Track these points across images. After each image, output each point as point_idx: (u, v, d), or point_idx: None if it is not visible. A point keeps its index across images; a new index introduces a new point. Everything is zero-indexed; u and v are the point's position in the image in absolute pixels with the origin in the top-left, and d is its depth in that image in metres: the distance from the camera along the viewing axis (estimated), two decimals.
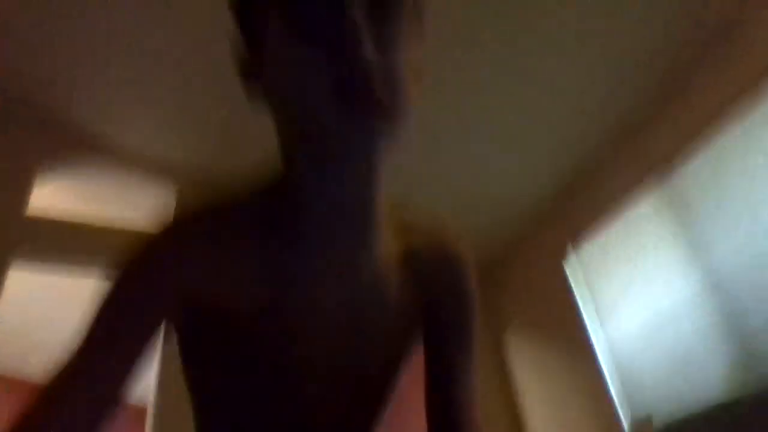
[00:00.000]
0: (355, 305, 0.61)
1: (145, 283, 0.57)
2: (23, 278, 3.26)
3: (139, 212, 3.82)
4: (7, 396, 5.56)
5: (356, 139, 0.50)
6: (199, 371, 0.62)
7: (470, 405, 0.68)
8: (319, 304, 0.60)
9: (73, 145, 3.42)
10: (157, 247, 0.58)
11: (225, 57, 2.90)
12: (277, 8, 0.51)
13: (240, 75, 0.59)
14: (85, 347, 0.53)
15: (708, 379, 2.71)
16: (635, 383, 3.09)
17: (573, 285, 3.58)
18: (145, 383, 2.62)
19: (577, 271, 3.59)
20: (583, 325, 3.45)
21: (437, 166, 3.56)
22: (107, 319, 0.55)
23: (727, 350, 2.64)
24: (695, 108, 2.91)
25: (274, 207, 0.59)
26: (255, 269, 0.58)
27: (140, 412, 2.88)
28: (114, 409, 0.51)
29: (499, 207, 3.86)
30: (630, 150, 3.28)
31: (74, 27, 2.86)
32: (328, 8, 0.48)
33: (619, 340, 3.23)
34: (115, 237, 3.29)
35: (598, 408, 3.28)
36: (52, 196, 3.62)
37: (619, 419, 3.13)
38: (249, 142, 3.03)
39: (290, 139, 0.56)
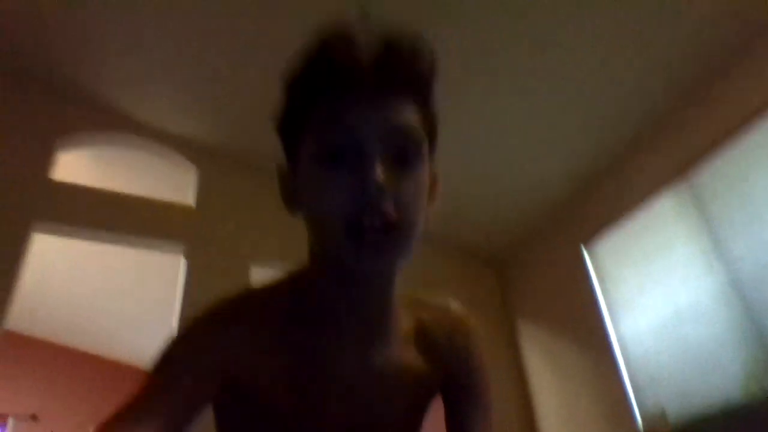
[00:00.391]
0: (371, 383, 0.67)
1: (189, 364, 0.62)
2: (45, 241, 3.32)
3: (159, 183, 3.86)
4: (20, 353, 5.75)
5: (370, 262, 0.58)
6: None
7: None
8: (338, 383, 0.66)
9: (98, 118, 3.48)
10: (199, 332, 0.64)
11: (250, 41, 2.97)
12: (311, 134, 0.60)
13: (281, 196, 0.66)
14: (137, 405, 0.57)
15: (725, 377, 2.66)
16: (650, 378, 3.07)
17: (592, 277, 3.55)
18: None
19: (596, 264, 3.56)
20: (599, 318, 3.43)
21: (463, 158, 3.56)
22: (154, 394, 0.58)
23: (745, 349, 2.59)
24: (719, 108, 2.88)
25: (301, 301, 0.67)
26: (282, 354, 0.65)
27: None
28: None
29: (520, 198, 3.84)
30: (653, 148, 3.24)
31: (103, 5, 2.90)
32: (351, 139, 0.57)
33: (636, 334, 3.20)
34: (134, 205, 3.33)
35: (611, 401, 3.27)
36: (75, 165, 3.67)
37: (632, 413, 3.11)
38: (269, 125, 3.07)
39: (317, 248, 0.64)
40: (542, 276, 4.02)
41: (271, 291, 0.69)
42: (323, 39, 0.61)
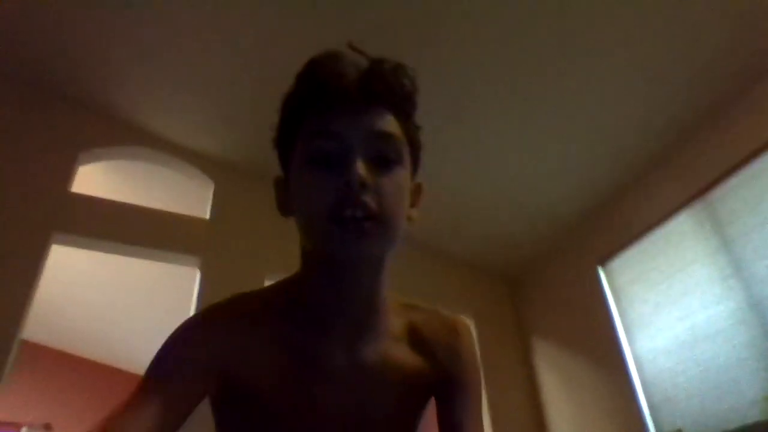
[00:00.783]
0: (362, 376, 0.70)
1: (179, 364, 0.65)
2: (63, 252, 3.37)
3: (175, 197, 3.91)
4: (34, 362, 5.80)
5: (353, 247, 0.63)
6: None
7: None
8: (330, 376, 0.69)
9: (117, 132, 3.55)
10: (189, 333, 0.69)
11: (267, 57, 3.01)
12: (302, 143, 0.67)
13: (276, 202, 0.73)
14: (135, 402, 0.61)
15: (742, 397, 2.62)
16: (666, 398, 3.02)
17: (607, 296, 3.52)
18: None
19: (612, 283, 3.53)
20: (615, 336, 3.39)
21: (480, 176, 3.58)
22: (151, 388, 0.62)
23: (763, 369, 2.54)
24: (736, 129, 2.87)
25: (294, 300, 0.71)
26: (274, 351, 0.69)
27: None
28: None
29: (536, 216, 3.83)
30: (670, 167, 3.23)
31: (124, 21, 2.97)
32: (337, 145, 0.64)
33: (652, 354, 3.15)
34: (151, 218, 3.38)
35: (626, 421, 3.22)
36: (93, 177, 3.73)
37: None
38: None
39: (306, 245, 0.69)
40: (557, 294, 3.99)
41: (266, 293, 0.75)
42: (313, 59, 0.69)
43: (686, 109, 3.01)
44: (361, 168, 0.62)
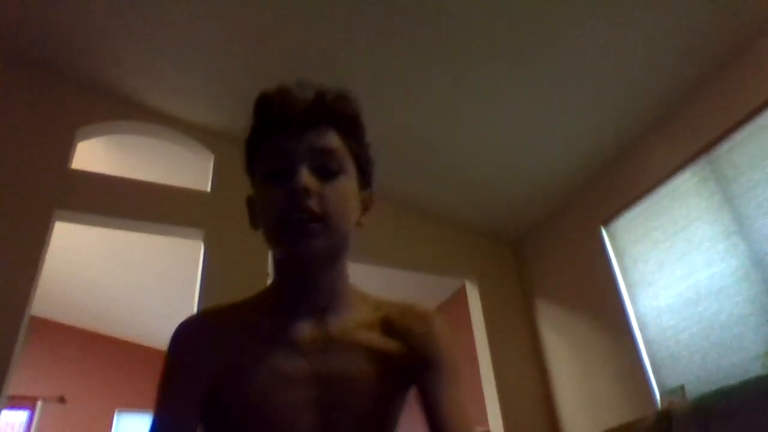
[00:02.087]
0: (330, 345, 0.76)
1: (184, 369, 0.75)
2: (70, 229, 3.39)
3: (176, 170, 3.89)
4: (48, 338, 5.90)
5: (301, 246, 0.72)
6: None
7: (456, 428, 0.74)
8: (299, 346, 0.75)
9: (116, 107, 3.52)
10: (183, 339, 0.77)
11: (264, 31, 2.97)
12: (260, 164, 0.78)
13: (249, 218, 0.83)
14: (158, 422, 0.71)
15: (744, 354, 2.64)
16: (669, 356, 3.06)
17: (610, 255, 3.53)
18: None
19: (615, 242, 3.54)
20: (618, 296, 3.41)
21: (483, 141, 3.56)
22: (166, 398, 0.73)
23: (765, 326, 2.56)
24: (741, 84, 2.83)
25: (269, 296, 0.81)
26: (252, 341, 0.76)
27: None
28: None
29: (539, 179, 3.82)
30: (673, 125, 3.19)
31: (126, 4, 2.93)
32: (286, 161, 0.74)
33: (655, 312, 3.18)
34: (153, 192, 3.38)
35: (629, 379, 3.27)
36: (94, 153, 3.72)
37: (650, 391, 3.11)
38: None
39: (271, 250, 0.79)
40: (560, 255, 4.01)
41: (247, 299, 0.83)
42: (263, 93, 0.80)
43: (689, 66, 2.96)
44: (305, 177, 0.72)
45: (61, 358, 6.09)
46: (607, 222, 3.59)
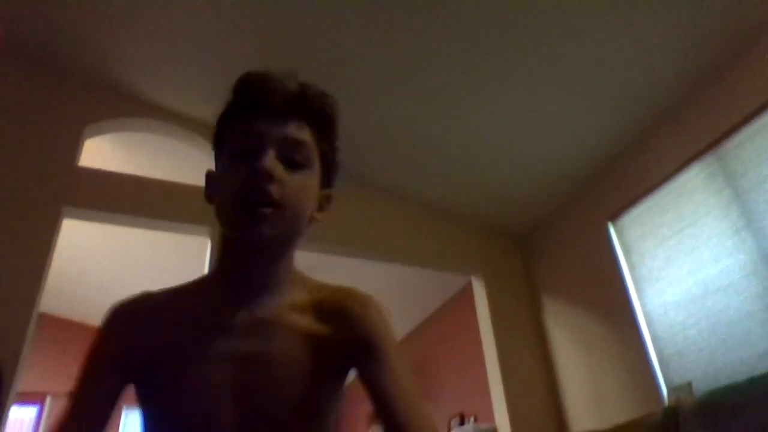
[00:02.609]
0: (259, 328, 0.76)
1: (101, 353, 0.77)
2: (78, 226, 3.40)
3: (183, 167, 3.90)
4: (57, 334, 5.94)
5: (253, 230, 0.72)
6: (145, 423, 0.77)
7: (407, 407, 0.72)
8: (229, 329, 0.76)
9: (122, 104, 3.53)
10: (108, 321, 0.79)
11: (269, 27, 2.96)
12: (229, 141, 0.78)
13: (204, 191, 0.83)
14: (70, 405, 0.73)
15: (752, 350, 2.63)
16: (676, 352, 3.04)
17: (617, 251, 3.52)
18: None
19: (622, 238, 3.52)
20: (625, 291, 3.40)
21: (489, 135, 3.55)
22: (81, 382, 0.75)
23: None
24: (748, 80, 2.81)
25: (206, 278, 0.84)
26: (183, 323, 0.77)
27: None
28: None
29: (545, 174, 3.81)
30: (681, 120, 3.18)
31: (132, 2, 2.93)
32: (254, 142, 0.75)
33: (662, 308, 3.17)
34: (160, 189, 3.39)
35: (636, 375, 3.26)
36: (101, 151, 3.73)
37: (657, 387, 3.10)
38: None
39: (222, 229, 0.79)
40: (567, 250, 4.00)
41: (195, 280, 0.85)
42: (247, 73, 0.80)
43: (696, 61, 2.94)
44: (270, 161, 0.72)
45: (70, 354, 6.11)
46: (614, 218, 3.57)
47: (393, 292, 5.18)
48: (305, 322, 0.79)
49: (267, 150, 0.74)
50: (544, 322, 4.10)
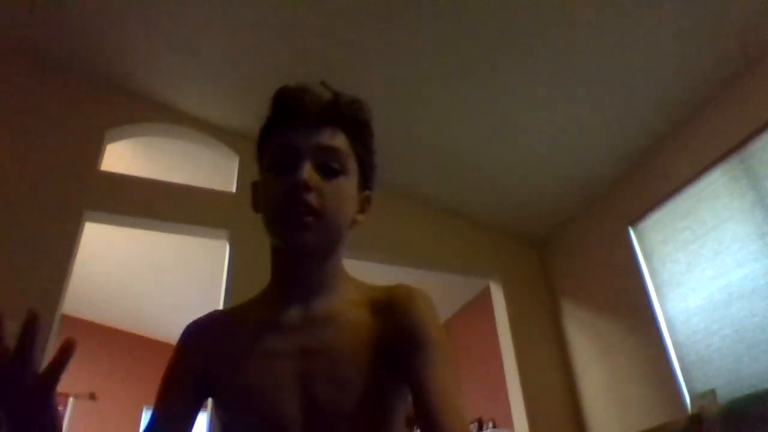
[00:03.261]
0: (313, 325, 0.79)
1: (176, 369, 0.82)
2: (98, 229, 3.45)
3: (202, 171, 3.94)
4: (79, 336, 6.03)
5: (296, 237, 0.76)
6: (222, 427, 0.82)
7: (443, 403, 0.71)
8: (285, 328, 0.80)
9: (143, 110, 3.58)
10: (181, 340, 0.85)
11: (291, 32, 2.98)
12: (268, 153, 0.82)
13: (251, 201, 0.88)
14: (150, 420, 0.78)
15: None
16: (699, 358, 2.99)
17: (638, 256, 3.47)
18: None
19: (643, 243, 3.47)
20: (646, 297, 3.35)
21: (508, 140, 3.53)
22: (162, 394, 0.80)
23: None
24: None
25: (266, 290, 0.87)
26: (244, 331, 0.81)
27: None
28: None
29: (565, 178, 3.77)
30: (703, 123, 3.12)
31: (150, 6, 2.98)
32: (291, 154, 0.79)
33: (684, 314, 3.11)
34: (179, 193, 3.43)
35: (658, 382, 3.20)
36: (122, 155, 3.79)
37: (680, 394, 3.05)
38: None
39: (270, 237, 0.83)
40: (587, 255, 3.95)
41: (256, 295, 0.89)
42: (283, 88, 0.84)
43: (719, 63, 2.89)
44: (306, 173, 0.76)
45: (92, 356, 6.21)
46: (634, 222, 3.52)
47: None
48: (359, 315, 0.81)
49: (304, 161, 0.77)
50: (563, 327, 4.05)
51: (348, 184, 0.82)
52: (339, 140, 0.81)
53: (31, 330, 0.57)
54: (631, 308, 3.47)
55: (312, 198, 0.76)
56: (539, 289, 4.23)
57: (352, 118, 0.84)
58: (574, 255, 4.08)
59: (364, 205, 0.88)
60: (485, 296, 4.62)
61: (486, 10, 2.78)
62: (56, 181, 3.11)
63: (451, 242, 4.12)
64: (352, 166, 0.83)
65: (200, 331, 0.84)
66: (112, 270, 5.22)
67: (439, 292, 5.03)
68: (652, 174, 3.43)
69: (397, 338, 0.78)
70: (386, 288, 0.86)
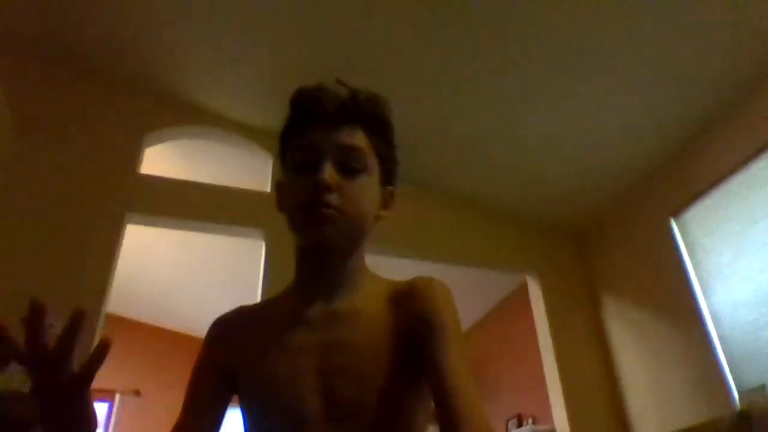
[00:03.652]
0: (335, 318, 0.81)
1: (204, 362, 0.85)
2: (138, 231, 3.54)
3: (238, 172, 4.01)
4: (124, 335, 6.21)
5: (319, 233, 0.78)
6: (245, 420, 0.82)
7: (454, 389, 0.72)
8: (308, 321, 0.81)
9: (180, 113, 3.66)
10: (208, 335, 0.88)
11: (318, 34, 3.00)
12: (289, 154, 0.84)
13: (276, 200, 0.90)
14: (181, 415, 0.81)
15: None
16: (748, 352, 2.89)
17: (680, 248, 3.37)
18: None
19: (685, 233, 3.37)
20: (689, 289, 3.25)
21: (547, 131, 3.47)
22: (191, 389, 0.83)
23: None
24: None
25: (290, 286, 0.89)
26: (269, 326, 0.83)
27: None
28: None
29: (604, 169, 3.69)
30: (748, 108, 3.00)
31: (183, 7, 3.04)
32: (312, 154, 0.80)
33: (731, 306, 3.01)
34: (216, 194, 3.49)
35: (704, 377, 3.11)
36: (160, 157, 3.88)
37: (728, 389, 2.95)
38: None
39: (294, 236, 0.85)
40: (627, 248, 3.86)
41: (281, 291, 0.90)
42: (301, 89, 0.86)
43: (763, 48, 2.78)
44: (327, 172, 0.77)
45: (136, 353, 6.39)
46: (676, 213, 3.42)
47: None
48: (379, 310, 0.82)
49: (324, 161, 0.79)
50: (604, 322, 3.97)
51: (369, 182, 0.83)
52: (358, 138, 0.83)
53: (74, 327, 0.59)
54: (674, 301, 3.37)
55: (333, 198, 0.77)
56: (578, 282, 4.16)
57: (370, 114, 0.85)
58: (614, 247, 3.99)
59: (386, 200, 0.89)
60: (522, 291, 4.56)
61: (518, 6, 2.73)
62: (98, 185, 3.21)
63: (485, 237, 4.09)
64: (373, 163, 0.84)
65: (226, 327, 0.87)
66: (154, 269, 5.36)
67: (476, 287, 5.00)
68: (695, 162, 3.32)
69: (413, 325, 0.79)
70: (406, 281, 0.87)
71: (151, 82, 3.55)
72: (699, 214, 3.28)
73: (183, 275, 5.42)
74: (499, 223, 4.15)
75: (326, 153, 0.80)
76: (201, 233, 3.67)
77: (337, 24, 3.01)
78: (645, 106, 3.20)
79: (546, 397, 3.81)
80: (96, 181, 3.21)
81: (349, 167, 0.81)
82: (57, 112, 3.36)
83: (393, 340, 0.78)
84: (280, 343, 0.80)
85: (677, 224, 3.42)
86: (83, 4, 3.10)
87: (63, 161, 3.21)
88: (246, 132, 3.73)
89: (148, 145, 3.57)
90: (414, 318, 0.79)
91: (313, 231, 0.78)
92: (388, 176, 0.88)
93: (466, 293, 5.13)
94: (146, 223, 3.41)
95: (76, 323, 0.58)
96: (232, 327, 0.86)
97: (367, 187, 0.83)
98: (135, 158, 3.39)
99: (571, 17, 2.79)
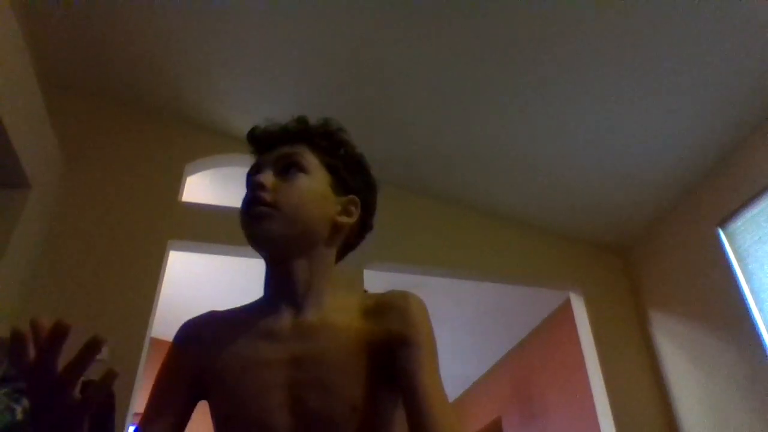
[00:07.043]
0: (304, 331, 0.81)
1: (169, 368, 0.85)
2: (182, 257, 3.62)
3: None
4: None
5: (254, 227, 0.82)
6: (215, 426, 0.82)
7: (430, 407, 0.72)
8: (276, 335, 0.81)
9: (218, 141, 3.77)
10: (178, 337, 0.88)
11: (355, 64, 3.04)
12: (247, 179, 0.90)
13: None
14: (142, 418, 0.80)
15: None
16: None
17: (730, 259, 3.23)
18: None
19: (734, 244, 3.23)
20: (742, 303, 3.11)
21: (591, 144, 3.42)
22: (156, 390, 0.83)
23: None
24: None
25: (260, 298, 0.90)
26: (236, 335, 0.83)
27: None
28: None
29: (647, 181, 3.58)
30: None
31: (219, 39, 3.15)
32: (259, 162, 0.89)
33: None
34: None
35: (761, 391, 2.95)
36: (200, 186, 3.98)
37: None
38: (374, 139, 3.21)
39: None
40: (674, 261, 3.72)
41: (254, 301, 0.92)
42: (253, 126, 0.95)
43: None
44: (262, 175, 0.84)
45: None
46: (723, 223, 3.30)
47: (489, 311, 5.06)
48: (349, 321, 0.82)
49: (264, 170, 0.87)
50: (652, 339, 3.82)
51: (310, 181, 0.87)
52: (298, 148, 0.90)
53: (85, 355, 0.56)
54: (726, 314, 3.22)
55: (267, 195, 0.82)
56: (624, 298, 4.03)
57: (315, 133, 0.92)
58: (660, 261, 3.86)
59: (348, 208, 0.91)
60: (565, 309, 4.45)
61: (557, 21, 2.71)
62: (142, 214, 3.31)
63: (527, 254, 4.02)
64: (314, 166, 0.89)
65: (195, 332, 0.87)
66: (197, 294, 5.46)
67: (518, 306, 4.90)
68: (742, 169, 3.20)
69: (388, 340, 0.79)
70: (379, 294, 0.88)
71: (191, 112, 3.67)
72: (748, 222, 3.15)
73: (226, 299, 5.49)
74: (542, 239, 4.08)
75: (266, 165, 0.88)
76: (242, 258, 3.73)
77: (374, 51, 3.05)
78: (690, 113, 3.10)
79: (595, 418, 3.68)
80: (140, 211, 3.31)
81: (287, 171, 0.86)
82: (102, 145, 3.51)
83: (365, 354, 0.78)
84: (248, 356, 0.79)
85: (725, 234, 3.29)
86: (125, 41, 3.26)
87: (108, 193, 3.33)
88: None
89: (189, 174, 3.66)
90: (389, 333, 0.79)
91: (250, 227, 0.82)
92: (344, 185, 0.91)
93: (510, 311, 5.03)
94: (188, 250, 3.48)
95: (90, 351, 0.55)
96: (201, 332, 0.86)
97: (306, 185, 0.86)
98: (177, 187, 3.48)
99: (615, 27, 2.74)
